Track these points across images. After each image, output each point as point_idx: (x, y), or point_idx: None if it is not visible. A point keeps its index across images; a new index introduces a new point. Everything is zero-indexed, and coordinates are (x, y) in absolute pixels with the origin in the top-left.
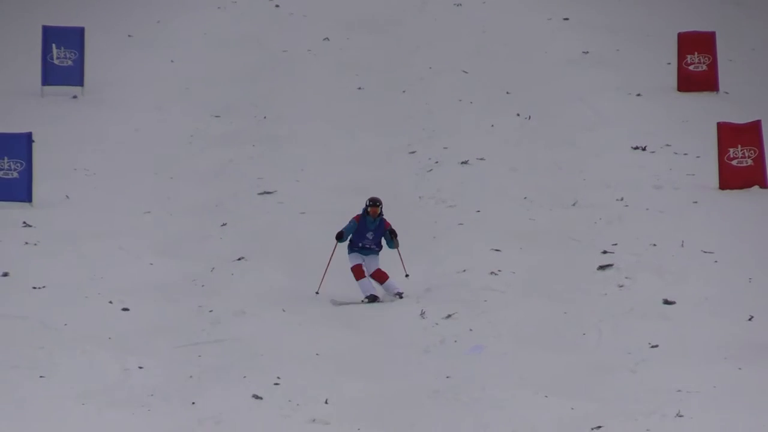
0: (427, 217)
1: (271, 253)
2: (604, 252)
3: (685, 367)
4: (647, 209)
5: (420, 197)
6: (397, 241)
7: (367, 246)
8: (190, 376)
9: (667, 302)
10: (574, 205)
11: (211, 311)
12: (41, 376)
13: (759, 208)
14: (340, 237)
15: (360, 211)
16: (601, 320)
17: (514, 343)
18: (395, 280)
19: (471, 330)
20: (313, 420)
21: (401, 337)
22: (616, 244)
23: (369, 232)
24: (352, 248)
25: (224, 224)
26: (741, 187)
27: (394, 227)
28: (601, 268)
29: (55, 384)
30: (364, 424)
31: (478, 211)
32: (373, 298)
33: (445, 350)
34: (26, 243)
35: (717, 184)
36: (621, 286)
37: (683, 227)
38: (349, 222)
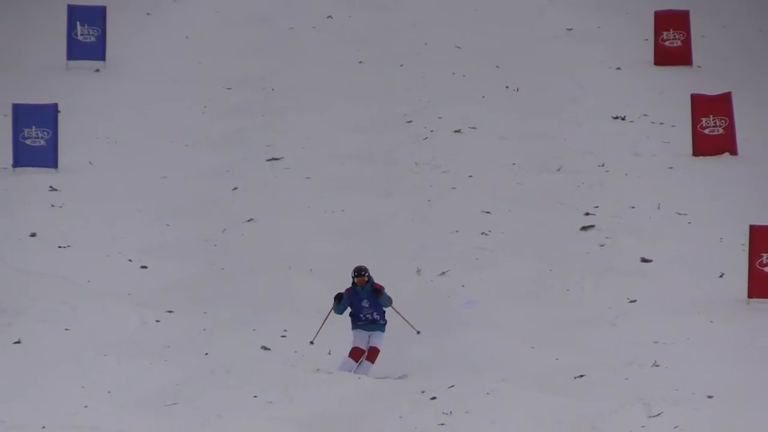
0: (423, 181)
1: (279, 215)
2: (587, 214)
3: (661, 320)
4: (626, 174)
5: (416, 163)
6: (385, 295)
7: (369, 317)
8: (204, 329)
9: (644, 260)
10: (558, 170)
11: (223, 269)
12: (66, 329)
13: (729, 173)
14: (339, 297)
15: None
16: (583, 277)
17: (504, 299)
18: (371, 367)
19: (463, 286)
20: (317, 370)
21: (398, 293)
22: (597, 207)
23: (363, 300)
24: (354, 323)
25: (235, 188)
26: (713, 154)
27: (379, 285)
28: (584, 228)
29: (78, 336)
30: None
31: (470, 176)
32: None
33: (439, 305)
34: (52, 206)
35: (691, 151)
36: (602, 246)
37: (659, 191)
38: (342, 295)
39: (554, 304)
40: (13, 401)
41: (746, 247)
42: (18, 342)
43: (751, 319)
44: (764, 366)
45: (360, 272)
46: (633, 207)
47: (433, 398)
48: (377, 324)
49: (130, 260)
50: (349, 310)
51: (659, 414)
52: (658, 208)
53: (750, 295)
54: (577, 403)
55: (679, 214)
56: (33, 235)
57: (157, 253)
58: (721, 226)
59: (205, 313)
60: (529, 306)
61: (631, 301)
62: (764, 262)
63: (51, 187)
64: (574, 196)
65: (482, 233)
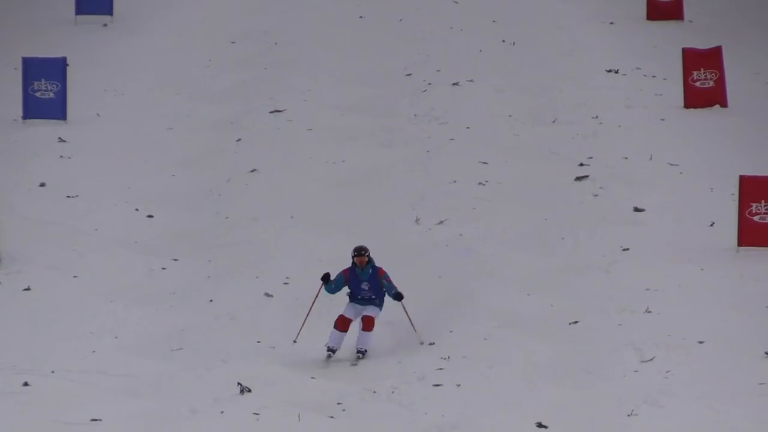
0: (422, 133)
1: (282, 166)
2: (581, 164)
3: (653, 268)
4: (619, 126)
5: (415, 115)
6: (397, 290)
7: (366, 297)
8: (208, 276)
9: (637, 209)
10: (553, 122)
11: (227, 218)
12: (74, 276)
13: (719, 124)
14: (326, 278)
15: (349, 265)
16: (577, 226)
17: (500, 247)
18: (372, 336)
19: (461, 235)
20: (319, 316)
21: (398, 241)
22: (591, 158)
23: (363, 282)
24: (350, 299)
25: (239, 139)
26: (703, 106)
27: (398, 288)
28: (578, 179)
29: (87, 283)
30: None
31: (468, 128)
32: (332, 352)
33: (437, 253)
34: (61, 156)
35: (682, 104)
36: (596, 195)
37: (652, 142)
38: (337, 275)
39: (549, 252)
40: (23, 346)
41: (736, 197)
42: (27, 289)
43: (740, 267)
44: (753, 312)
45: (360, 251)
46: (626, 158)
47: (432, 344)
48: (373, 301)
49: (136, 209)
50: (346, 289)
51: (651, 359)
52: (651, 158)
53: (739, 244)
54: (572, 348)
55: (671, 164)
56: (42, 185)
57: (163, 202)
58: (711, 176)
59: (209, 261)
60: (524, 254)
61: (624, 250)
62: (753, 211)
63: (60, 138)
64: (568, 147)
65: (479, 183)
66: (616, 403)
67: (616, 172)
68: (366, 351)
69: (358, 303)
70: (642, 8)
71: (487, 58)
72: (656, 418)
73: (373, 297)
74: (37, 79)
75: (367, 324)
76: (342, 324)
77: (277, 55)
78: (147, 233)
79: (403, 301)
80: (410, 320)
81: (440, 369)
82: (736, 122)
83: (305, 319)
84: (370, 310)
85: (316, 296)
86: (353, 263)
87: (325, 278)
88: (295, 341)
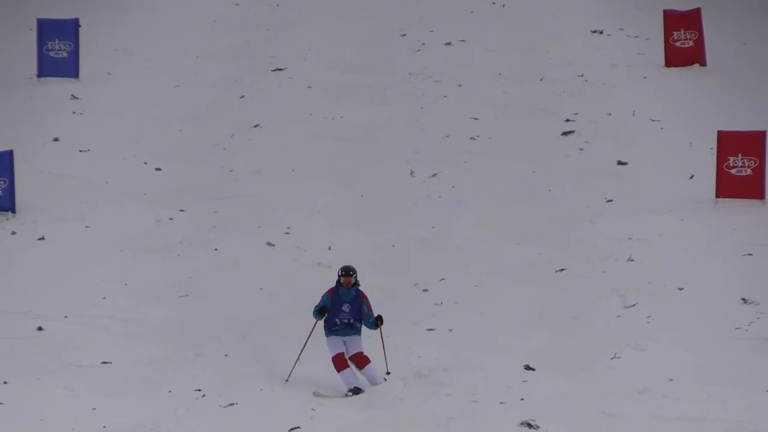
0: (416, 90)
1: (283, 121)
2: (567, 120)
3: (635, 218)
4: (604, 84)
5: (410, 73)
6: (380, 323)
7: (345, 321)
8: (213, 226)
9: (620, 163)
10: (541, 80)
11: (231, 171)
12: (86, 226)
13: (698, 82)
14: (322, 314)
15: (334, 285)
16: (564, 178)
17: (490, 198)
18: (377, 366)
19: (453, 187)
20: (318, 264)
21: (393, 193)
22: (577, 114)
23: (345, 304)
24: (329, 329)
25: (243, 96)
26: (683, 65)
27: (377, 313)
28: (564, 134)
29: (98, 233)
30: (361, 266)
31: (460, 85)
32: (357, 391)
33: (431, 204)
34: (73, 113)
35: (663, 63)
36: (581, 149)
37: (634, 99)
38: (322, 297)
39: (537, 203)
40: (37, 293)
41: (714, 151)
42: (42, 238)
43: (718, 217)
44: (730, 260)
45: (348, 272)
46: (610, 114)
47: (425, 290)
48: (353, 328)
49: (145, 163)
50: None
51: (634, 304)
52: (633, 114)
53: (717, 195)
54: (558, 294)
55: (653, 120)
56: (56, 139)
57: (171, 156)
58: (691, 131)
59: (214, 212)
60: (514, 205)
61: (608, 201)
62: (731, 164)
63: (72, 95)
64: (555, 104)
65: (471, 138)
66: (600, 347)
67: (600, 128)
68: (384, 379)
69: (337, 335)
70: None
71: (479, 19)
72: (638, 361)
73: (352, 321)
74: (51, 40)
75: (361, 361)
76: (341, 363)
77: (278, 17)
78: (155, 186)
79: (381, 327)
80: (384, 349)
81: (433, 315)
82: (715, 81)
83: (298, 357)
84: (355, 345)
85: (310, 334)
86: (338, 283)
87: (320, 313)
88: (287, 380)
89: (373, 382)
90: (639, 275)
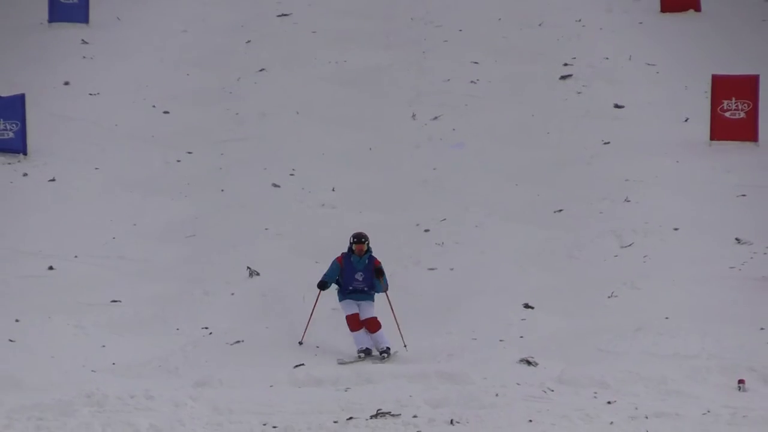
0: (418, 35)
1: (288, 65)
2: (565, 64)
3: (631, 160)
4: (601, 29)
5: (412, 18)
6: (384, 281)
7: (359, 288)
8: (220, 168)
9: (617, 106)
10: (540, 25)
11: (237, 114)
12: (96, 168)
13: (693, 27)
14: (323, 286)
15: (345, 250)
16: (562, 121)
17: (490, 141)
18: (386, 332)
19: (454, 129)
20: (323, 204)
21: (396, 135)
22: (575, 58)
23: (357, 272)
24: (343, 294)
25: (248, 41)
26: (678, 11)
27: (383, 266)
28: (563, 77)
29: (107, 174)
30: (364, 207)
31: (461, 30)
32: (368, 352)
33: (432, 146)
34: (84, 57)
35: (659, 8)
36: (579, 93)
37: (631, 43)
38: (331, 265)
39: (536, 145)
40: (48, 233)
41: (709, 95)
42: (53, 180)
43: (712, 159)
44: (723, 201)
45: (360, 239)
46: (607, 58)
47: (427, 230)
48: (366, 293)
49: (153, 106)
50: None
51: (630, 244)
52: (630, 59)
53: (712, 138)
54: (556, 234)
55: (649, 64)
56: (66, 83)
57: (179, 99)
58: (686, 75)
59: (221, 154)
60: (513, 147)
61: (605, 143)
62: (725, 107)
63: (83, 40)
64: (553, 49)
65: (471, 82)
66: (597, 286)
67: (597, 72)
68: (389, 348)
69: (351, 298)
70: None
71: None
72: (634, 300)
73: (366, 289)
74: None
75: (373, 326)
76: (356, 323)
77: None
78: (163, 128)
79: (390, 300)
80: (394, 316)
81: (434, 254)
82: (709, 26)
83: (307, 324)
84: (366, 311)
85: (315, 303)
86: (350, 250)
87: (322, 285)
88: (300, 343)
89: (379, 346)
90: (635, 216)
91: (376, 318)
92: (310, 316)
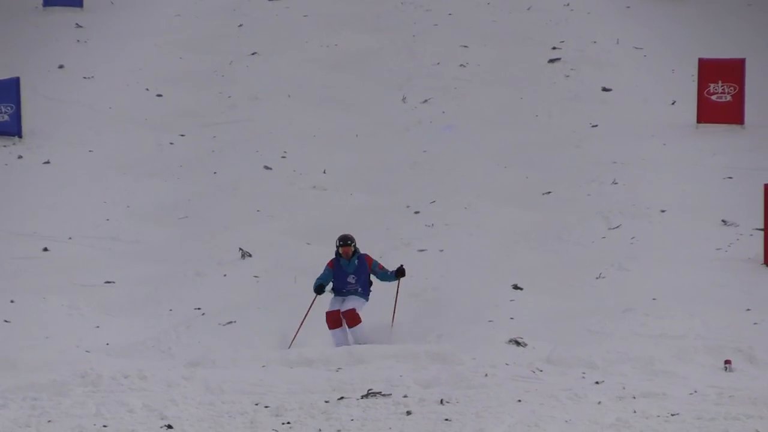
0: (408, 19)
1: (279, 49)
2: (553, 48)
3: (619, 143)
4: (588, 13)
5: (402, 2)
6: (401, 270)
7: (353, 291)
8: (212, 151)
9: (605, 89)
10: (528, 9)
11: (229, 97)
12: (90, 151)
13: (679, 11)
14: (320, 290)
15: (334, 255)
16: (550, 104)
17: (479, 124)
18: (365, 327)
19: (444, 112)
20: (314, 186)
21: (386, 118)
22: (563, 42)
23: (349, 275)
24: (334, 292)
25: (240, 25)
26: None
27: (370, 257)
28: (551, 61)
29: (101, 157)
30: (355, 189)
31: (450, 14)
32: None
33: (422, 129)
34: (78, 41)
35: None
36: (567, 76)
37: (618, 27)
38: (324, 270)
39: (524, 128)
40: (43, 215)
41: (695, 78)
42: (47, 162)
43: (698, 142)
44: (709, 183)
45: (346, 241)
46: (595, 42)
47: (417, 212)
48: (358, 293)
49: (147, 89)
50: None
51: (618, 226)
52: (617, 42)
53: (698, 121)
54: (545, 216)
55: (636, 48)
56: (61, 67)
57: (171, 82)
58: (673, 59)
59: (213, 136)
60: (502, 130)
61: (593, 126)
62: (711, 91)
63: (77, 24)
64: (542, 32)
65: (460, 65)
66: (585, 267)
67: (585, 55)
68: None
69: (340, 295)
70: None
71: None
72: (622, 281)
73: (360, 290)
74: None
75: (351, 319)
76: (333, 321)
77: None
78: (156, 111)
79: (400, 279)
80: (396, 301)
81: (424, 236)
82: (696, 10)
83: (298, 329)
84: (350, 302)
85: (310, 307)
86: (337, 254)
87: (319, 290)
88: (288, 347)
89: (358, 342)
90: (623, 198)
91: (354, 310)
92: (301, 322)
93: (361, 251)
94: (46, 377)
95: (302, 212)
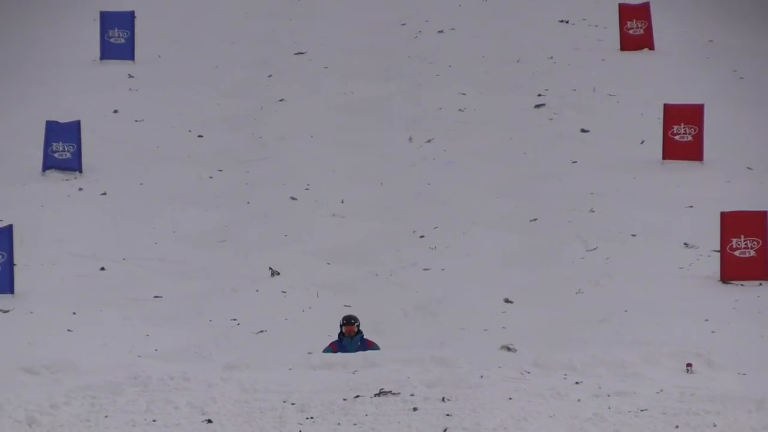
0: (414, 70)
1: (303, 96)
2: (539, 95)
3: (596, 176)
4: (569, 65)
5: (409, 56)
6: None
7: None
8: (246, 183)
9: (583, 131)
10: (517, 61)
11: (260, 137)
12: (141, 183)
13: (648, 63)
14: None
15: (336, 338)
16: (536, 143)
17: (476, 160)
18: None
19: (445, 150)
20: (333, 214)
21: (395, 156)
22: (547, 89)
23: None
24: None
25: (270, 75)
26: (635, 50)
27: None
28: (537, 106)
29: (150, 189)
30: (369, 217)
31: (450, 66)
32: None
33: (426, 165)
34: (130, 89)
35: (618, 47)
36: (551, 119)
37: (595, 77)
38: (325, 350)
39: (514, 163)
40: (100, 239)
41: (661, 121)
42: (104, 194)
43: (664, 176)
44: (675, 211)
45: (349, 320)
46: (574, 90)
47: (422, 236)
48: None
49: (189, 131)
50: None
51: (594, 248)
52: (594, 90)
53: (664, 157)
54: (531, 239)
55: (610, 95)
56: (115, 111)
57: (210, 125)
58: (642, 104)
59: (247, 171)
60: (495, 165)
61: (573, 162)
62: (675, 132)
63: (129, 74)
64: (529, 82)
65: (459, 110)
66: (567, 283)
67: (566, 101)
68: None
69: None
70: None
71: (466, 10)
72: (598, 296)
73: None
74: (111, 28)
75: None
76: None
77: (300, 10)
78: (197, 149)
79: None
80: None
81: (428, 257)
82: (663, 61)
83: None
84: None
85: None
86: (341, 333)
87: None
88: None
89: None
90: (599, 224)
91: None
92: None
93: (375, 273)
94: (103, 379)
95: (323, 237)
